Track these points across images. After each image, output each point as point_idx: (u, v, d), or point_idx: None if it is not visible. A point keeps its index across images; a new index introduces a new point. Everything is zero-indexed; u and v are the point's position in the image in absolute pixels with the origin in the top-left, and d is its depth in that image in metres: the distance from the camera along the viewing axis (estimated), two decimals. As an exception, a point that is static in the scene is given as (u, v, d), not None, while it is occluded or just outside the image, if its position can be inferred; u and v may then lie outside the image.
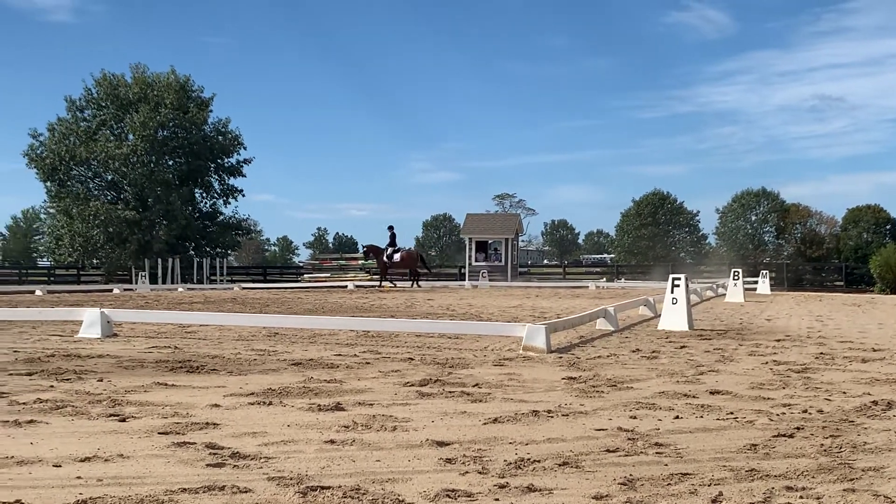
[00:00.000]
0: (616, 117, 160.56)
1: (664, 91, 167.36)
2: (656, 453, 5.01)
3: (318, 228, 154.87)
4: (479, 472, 4.53)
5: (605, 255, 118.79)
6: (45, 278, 54.18)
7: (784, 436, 5.53)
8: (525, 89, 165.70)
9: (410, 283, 40.92)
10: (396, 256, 40.59)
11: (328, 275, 51.22)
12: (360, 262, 58.92)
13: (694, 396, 7.17)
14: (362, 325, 13.30)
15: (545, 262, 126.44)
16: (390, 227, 42.43)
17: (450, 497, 4.05)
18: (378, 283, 41.14)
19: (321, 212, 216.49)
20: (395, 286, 39.41)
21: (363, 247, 46.63)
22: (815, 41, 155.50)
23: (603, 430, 5.70)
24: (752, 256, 73.76)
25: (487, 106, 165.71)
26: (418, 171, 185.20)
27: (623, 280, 49.90)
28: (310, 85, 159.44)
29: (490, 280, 45.32)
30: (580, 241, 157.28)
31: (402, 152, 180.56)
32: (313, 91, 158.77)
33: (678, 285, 14.39)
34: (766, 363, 9.62)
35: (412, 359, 9.75)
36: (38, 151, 53.45)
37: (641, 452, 5.03)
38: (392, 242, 41.75)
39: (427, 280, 49.16)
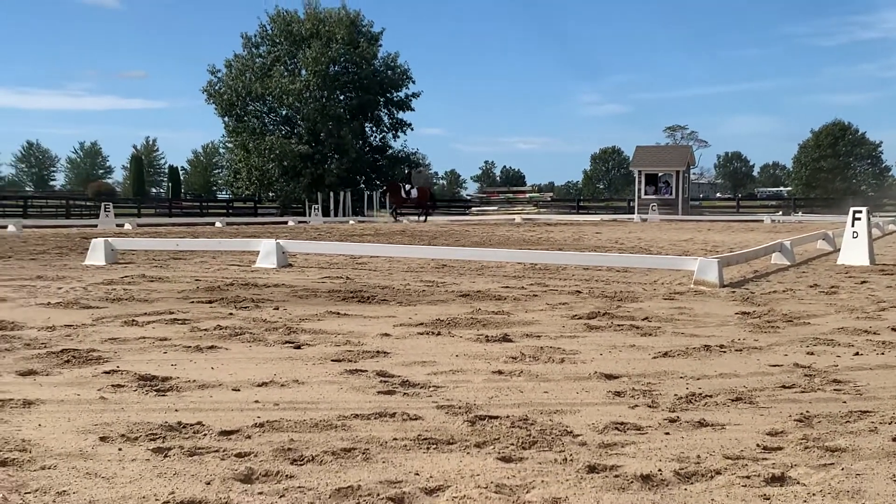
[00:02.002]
0: (793, 45, 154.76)
1: (845, 17, 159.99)
2: (834, 390, 4.83)
3: (486, 162, 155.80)
4: (649, 406, 4.46)
5: (781, 188, 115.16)
6: (224, 210, 56.11)
7: (974, 376, 5.25)
8: (696, 19, 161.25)
9: (418, 217, 45.03)
10: (414, 192, 44.40)
11: (496, 208, 51.31)
12: (527, 195, 59.23)
13: (875, 333, 6.88)
14: (529, 257, 13.29)
15: (717, 195, 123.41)
16: (407, 167, 48.32)
17: (619, 430, 4.00)
18: (394, 217, 45.18)
19: (488, 145, 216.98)
20: (396, 220, 43.33)
21: (383, 184, 49.58)
22: None
23: (778, 365, 5.53)
24: (940, 189, 70.16)
25: (657, 37, 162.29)
26: (586, 104, 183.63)
27: (800, 214, 48.18)
28: (478, 19, 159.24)
29: (660, 213, 44.58)
30: (755, 173, 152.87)
31: (570, 85, 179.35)
32: (481, 25, 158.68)
33: (859, 218, 13.80)
34: (955, 300, 9.15)
35: (580, 291, 9.68)
36: (217, 87, 55.18)
37: (819, 389, 4.86)
38: (409, 180, 46.01)
39: (561, 213, 51.52)
